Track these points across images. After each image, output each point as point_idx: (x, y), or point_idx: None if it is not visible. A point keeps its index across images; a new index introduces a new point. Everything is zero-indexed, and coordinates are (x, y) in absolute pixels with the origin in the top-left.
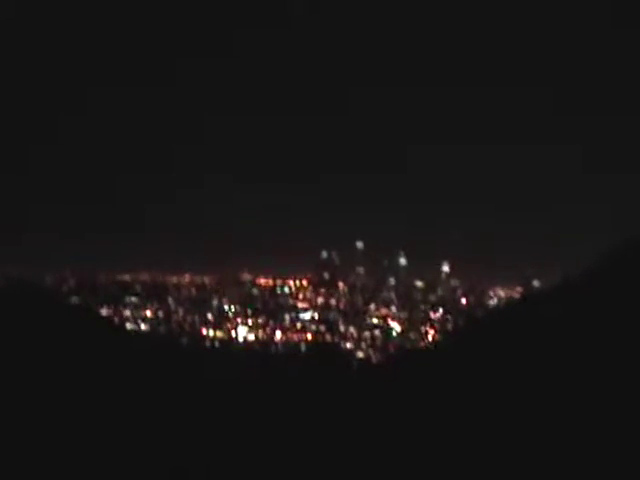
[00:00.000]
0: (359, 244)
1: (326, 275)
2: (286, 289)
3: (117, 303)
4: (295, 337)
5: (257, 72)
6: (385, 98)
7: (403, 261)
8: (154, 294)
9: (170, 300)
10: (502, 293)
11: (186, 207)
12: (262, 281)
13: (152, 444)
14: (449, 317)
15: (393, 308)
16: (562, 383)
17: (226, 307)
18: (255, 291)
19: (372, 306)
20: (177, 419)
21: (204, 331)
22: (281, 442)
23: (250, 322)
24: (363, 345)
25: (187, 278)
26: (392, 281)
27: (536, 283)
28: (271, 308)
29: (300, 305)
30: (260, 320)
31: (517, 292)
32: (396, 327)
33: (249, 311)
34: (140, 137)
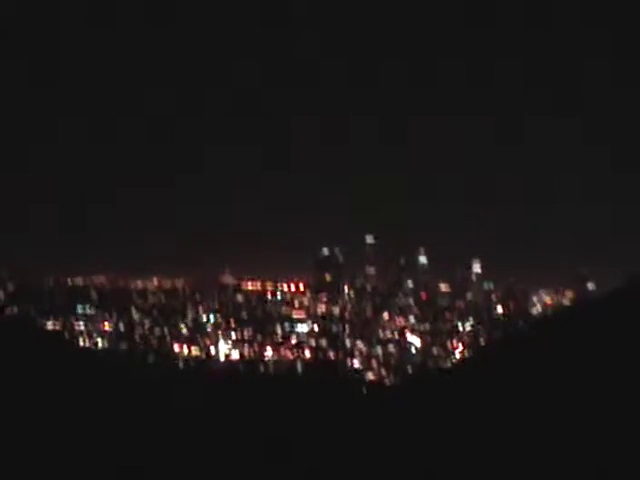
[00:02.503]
0: (369, 238)
1: (328, 277)
2: (278, 295)
3: (67, 314)
4: (290, 354)
5: (252, 69)
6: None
7: (423, 259)
8: (113, 302)
9: (133, 310)
10: (548, 298)
11: (152, 195)
12: (248, 285)
13: None
14: (481, 328)
15: (411, 318)
16: (632, 418)
17: (204, 317)
18: (240, 297)
19: (385, 315)
20: (140, 460)
21: (176, 348)
22: None
23: (234, 336)
24: (374, 364)
25: (154, 282)
26: (410, 284)
27: (591, 286)
28: (260, 318)
29: (295, 315)
30: (246, 333)
31: (567, 297)
32: (415, 341)
33: (232, 322)
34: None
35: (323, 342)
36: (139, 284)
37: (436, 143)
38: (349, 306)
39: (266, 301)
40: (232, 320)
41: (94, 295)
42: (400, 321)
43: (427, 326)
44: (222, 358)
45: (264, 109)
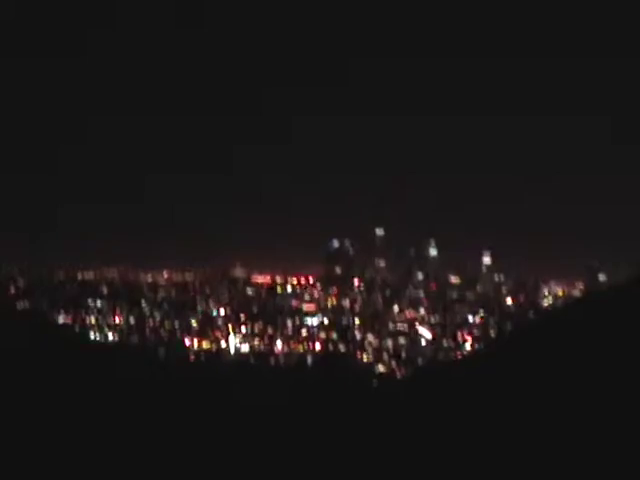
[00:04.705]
0: (379, 231)
1: (338, 270)
2: (288, 288)
3: (78, 307)
4: (300, 347)
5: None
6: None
7: (433, 251)
8: (124, 296)
9: (144, 303)
10: (559, 290)
11: (162, 190)
12: (259, 278)
13: None
14: (492, 320)
15: (422, 310)
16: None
17: (214, 311)
18: (250, 291)
19: (395, 308)
20: (150, 456)
21: (187, 341)
22: None
23: (244, 329)
24: (385, 356)
25: (165, 276)
26: (420, 276)
27: (602, 277)
28: (270, 312)
29: (306, 308)
30: (256, 327)
31: (578, 289)
32: (426, 334)
33: (242, 316)
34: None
35: (333, 335)
36: (149, 278)
37: (438, 141)
38: (359, 299)
39: (276, 294)
40: (242, 313)
41: (105, 289)
42: (410, 313)
43: (437, 318)
44: (233, 351)
45: (265, 109)
